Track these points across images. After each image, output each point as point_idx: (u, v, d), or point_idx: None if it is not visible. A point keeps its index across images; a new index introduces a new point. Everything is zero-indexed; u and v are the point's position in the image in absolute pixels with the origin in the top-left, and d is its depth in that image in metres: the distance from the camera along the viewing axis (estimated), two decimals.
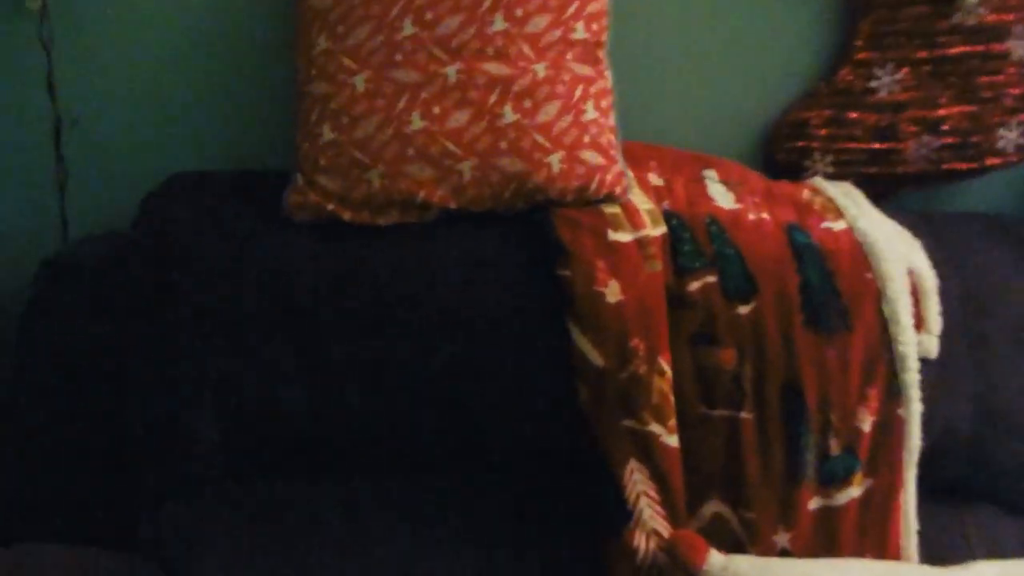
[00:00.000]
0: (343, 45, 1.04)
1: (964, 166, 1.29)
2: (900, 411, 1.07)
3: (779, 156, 1.29)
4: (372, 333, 1.02)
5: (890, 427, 1.07)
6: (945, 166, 1.29)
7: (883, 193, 1.31)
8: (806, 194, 1.19)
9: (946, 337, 1.14)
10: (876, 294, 1.08)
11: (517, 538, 1.06)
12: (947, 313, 1.15)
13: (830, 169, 1.29)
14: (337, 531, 1.04)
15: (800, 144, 1.28)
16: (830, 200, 1.18)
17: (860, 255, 1.10)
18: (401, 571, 1.03)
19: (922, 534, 1.13)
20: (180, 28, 1.19)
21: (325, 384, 1.02)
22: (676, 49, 1.27)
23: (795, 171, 1.29)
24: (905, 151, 1.28)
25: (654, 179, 1.16)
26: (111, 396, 1.02)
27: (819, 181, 1.24)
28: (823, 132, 1.27)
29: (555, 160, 1.04)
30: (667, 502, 1.03)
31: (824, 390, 1.05)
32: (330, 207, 1.03)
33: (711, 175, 1.19)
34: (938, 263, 1.17)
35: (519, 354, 1.04)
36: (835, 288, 1.08)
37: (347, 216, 1.03)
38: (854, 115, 1.27)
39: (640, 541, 1.02)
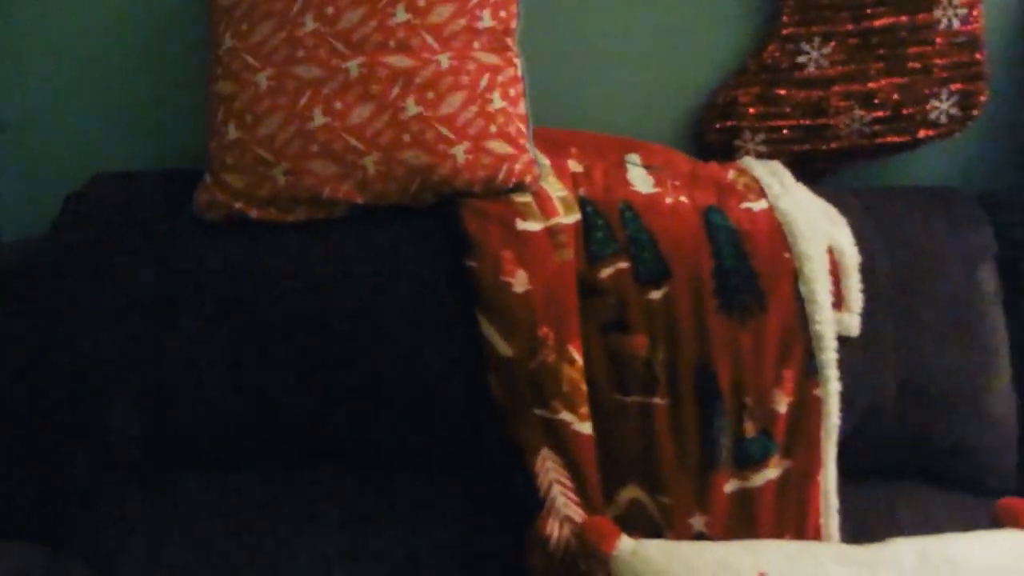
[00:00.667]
0: (247, 43, 1.04)
1: (898, 139, 1.27)
2: (817, 391, 1.06)
3: (710, 137, 1.28)
4: (284, 328, 1.03)
5: (807, 407, 1.06)
6: (879, 140, 1.27)
7: (820, 170, 1.30)
8: (731, 175, 1.18)
9: (871, 314, 1.13)
10: (793, 274, 1.07)
11: (437, 528, 1.06)
12: (874, 290, 1.14)
13: (762, 148, 1.27)
14: (256, 523, 1.06)
15: (730, 123, 1.27)
16: (755, 180, 1.17)
17: (778, 235, 1.09)
18: (316, 563, 1.05)
19: (850, 514, 1.12)
20: (104, 32, 1.20)
21: (235, 379, 1.04)
22: (601, 32, 1.25)
23: (727, 151, 1.28)
24: (837, 126, 1.26)
25: (574, 165, 1.15)
26: (36, 395, 1.05)
27: (748, 161, 1.23)
28: (752, 111, 1.26)
29: (460, 151, 1.04)
30: (581, 489, 1.04)
31: (738, 373, 1.05)
32: (237, 205, 1.04)
33: (634, 159, 1.19)
34: (867, 239, 1.16)
35: (432, 346, 1.05)
36: (751, 270, 1.07)
37: (254, 214, 1.04)
38: (782, 92, 1.24)
39: (553, 528, 1.02)
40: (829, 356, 1.06)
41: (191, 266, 1.04)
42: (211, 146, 1.06)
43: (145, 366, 1.03)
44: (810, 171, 1.28)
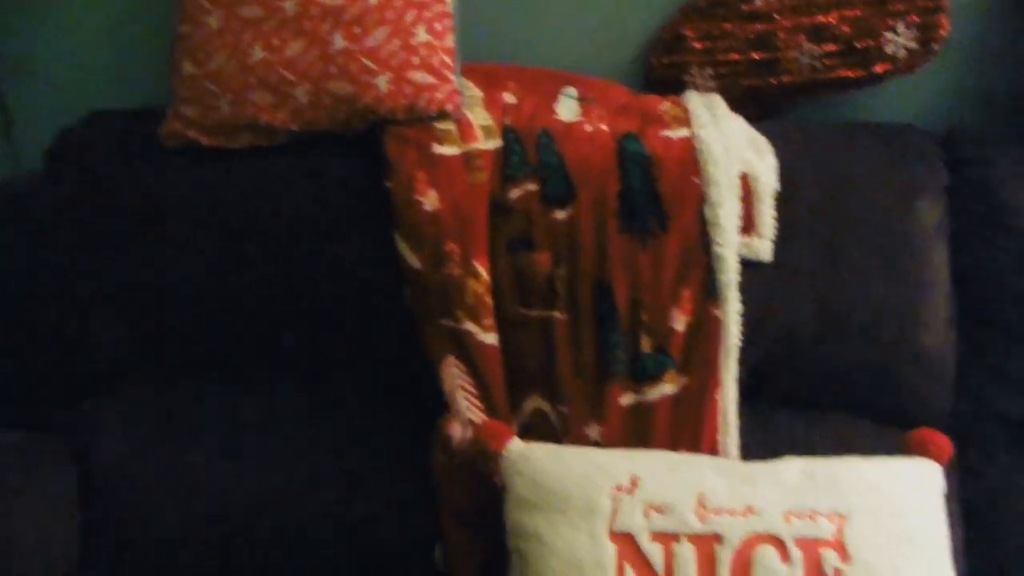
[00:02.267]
0: None
1: (852, 73, 1.25)
2: (716, 311, 1.08)
3: (657, 72, 1.30)
4: (228, 244, 1.16)
5: (705, 327, 1.08)
6: (833, 74, 1.25)
7: (775, 105, 1.30)
8: (664, 106, 1.20)
9: (789, 242, 1.14)
10: (699, 197, 1.10)
11: (362, 427, 1.18)
12: (794, 218, 1.14)
13: (711, 83, 1.28)
14: (215, 426, 1.20)
15: (676, 59, 1.29)
16: (687, 111, 1.19)
17: (690, 160, 1.11)
18: (267, 464, 1.18)
19: (765, 439, 1.14)
20: None
21: (192, 289, 1.17)
22: None
23: (675, 86, 1.30)
24: (786, 60, 1.25)
25: (508, 97, 1.21)
26: (26, 303, 1.22)
27: (689, 94, 1.25)
28: (698, 45, 1.27)
29: (382, 81, 1.12)
30: (485, 396, 1.11)
31: (635, 290, 1.09)
32: (191, 133, 1.17)
33: (570, 92, 1.23)
34: (796, 169, 1.17)
35: (358, 259, 1.15)
36: (656, 193, 1.10)
37: (205, 141, 1.17)
38: (728, 26, 1.25)
39: (455, 430, 1.10)
40: (729, 278, 1.08)
41: (153, 189, 1.18)
42: (172, 81, 1.19)
43: (113, 279, 1.18)
44: (765, 106, 1.29)
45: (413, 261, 1.11)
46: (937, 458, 1.05)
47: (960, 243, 1.17)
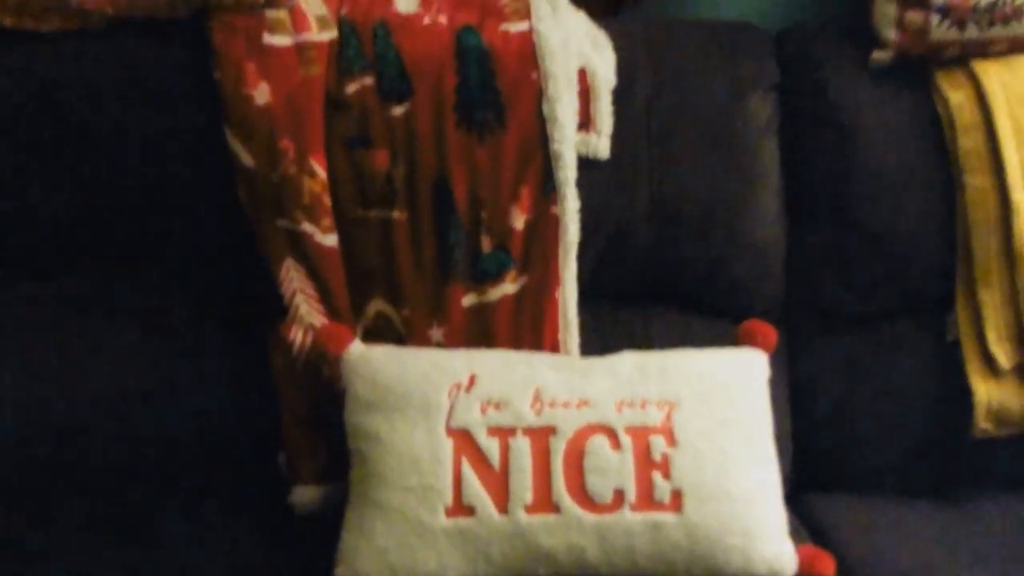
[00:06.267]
0: None
1: None
2: (555, 209, 1.09)
3: None
4: (37, 139, 1.07)
5: (544, 225, 1.09)
6: None
7: (618, 3, 1.30)
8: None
9: (625, 138, 1.15)
10: (537, 93, 1.08)
11: (199, 333, 1.13)
12: (630, 114, 1.15)
13: None
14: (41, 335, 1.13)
15: None
16: (526, 4, 1.16)
17: (528, 55, 1.09)
18: (106, 372, 1.12)
19: (604, 336, 1.16)
20: None
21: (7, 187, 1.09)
22: None
23: None
24: None
25: None
26: None
27: None
28: None
29: None
30: (327, 300, 1.09)
31: (474, 188, 1.08)
32: None
33: None
34: (633, 66, 1.17)
35: (185, 156, 1.09)
36: (494, 88, 1.08)
37: (8, 22, 1.06)
38: None
39: (296, 334, 1.09)
40: (567, 175, 1.08)
41: None
42: None
43: None
44: (607, 3, 1.29)
45: (246, 159, 1.06)
46: (763, 347, 1.11)
47: (790, 139, 1.22)
